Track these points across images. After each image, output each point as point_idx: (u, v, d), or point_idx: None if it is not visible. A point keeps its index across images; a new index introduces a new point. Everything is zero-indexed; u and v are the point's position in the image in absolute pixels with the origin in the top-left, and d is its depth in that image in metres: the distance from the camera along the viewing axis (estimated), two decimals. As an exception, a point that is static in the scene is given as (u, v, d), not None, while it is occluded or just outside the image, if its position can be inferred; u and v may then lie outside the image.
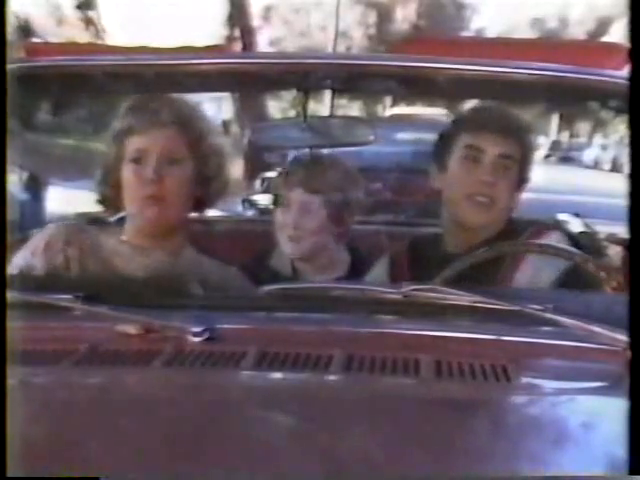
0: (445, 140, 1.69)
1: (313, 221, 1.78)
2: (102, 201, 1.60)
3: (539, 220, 1.72)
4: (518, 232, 1.61)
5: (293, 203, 1.79)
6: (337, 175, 1.82)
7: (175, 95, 1.60)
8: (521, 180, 1.67)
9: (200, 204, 1.58)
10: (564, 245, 1.46)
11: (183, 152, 1.49)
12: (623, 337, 0.99)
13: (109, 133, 1.55)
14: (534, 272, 1.53)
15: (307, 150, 2.15)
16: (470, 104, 1.88)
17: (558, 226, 1.85)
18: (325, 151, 2.17)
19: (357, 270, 1.84)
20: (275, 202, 1.87)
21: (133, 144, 1.49)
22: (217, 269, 1.54)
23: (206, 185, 1.54)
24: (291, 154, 2.31)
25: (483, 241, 1.58)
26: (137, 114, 1.50)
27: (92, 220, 1.77)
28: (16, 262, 1.47)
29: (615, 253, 1.81)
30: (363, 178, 1.94)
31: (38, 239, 1.53)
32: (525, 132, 1.69)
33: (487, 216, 1.60)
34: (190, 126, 1.51)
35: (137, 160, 1.47)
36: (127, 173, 1.49)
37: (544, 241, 1.57)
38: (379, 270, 1.72)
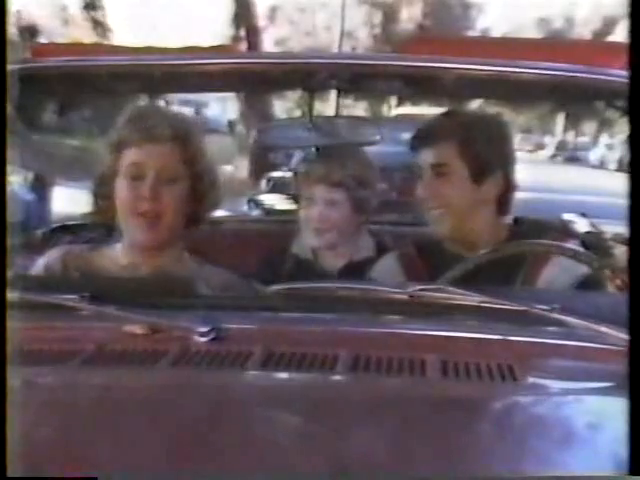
0: (412, 152, 1.66)
1: (338, 213, 1.83)
2: (95, 212, 1.58)
3: (551, 222, 1.69)
4: (525, 234, 1.59)
5: (318, 198, 1.84)
6: (355, 165, 1.86)
7: (174, 110, 1.58)
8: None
9: (192, 219, 1.55)
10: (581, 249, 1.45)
11: (180, 170, 1.47)
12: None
13: (106, 142, 1.53)
14: (553, 275, 1.51)
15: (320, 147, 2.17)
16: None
17: (575, 235, 1.83)
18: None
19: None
20: (299, 201, 1.92)
21: (129, 157, 1.47)
22: (217, 276, 1.53)
23: (199, 202, 1.53)
24: (300, 153, 2.30)
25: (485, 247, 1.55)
26: (135, 126, 1.47)
27: (90, 228, 1.77)
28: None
29: (621, 253, 1.81)
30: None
31: (39, 263, 1.54)
32: (502, 137, 1.62)
33: (476, 225, 1.58)
34: (187, 143, 1.49)
35: (134, 176, 1.45)
36: (122, 188, 1.47)
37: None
38: (388, 266, 1.70)
